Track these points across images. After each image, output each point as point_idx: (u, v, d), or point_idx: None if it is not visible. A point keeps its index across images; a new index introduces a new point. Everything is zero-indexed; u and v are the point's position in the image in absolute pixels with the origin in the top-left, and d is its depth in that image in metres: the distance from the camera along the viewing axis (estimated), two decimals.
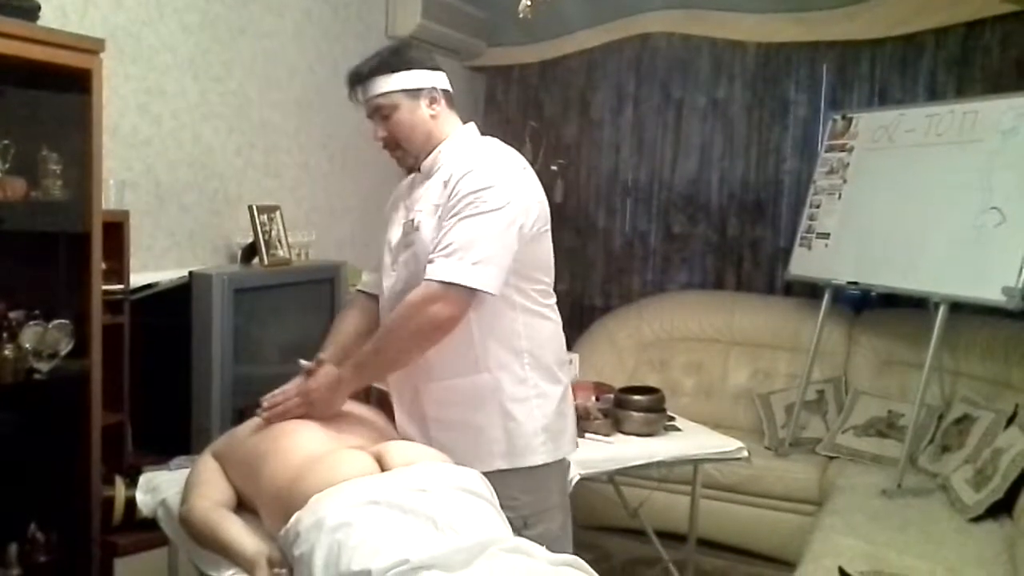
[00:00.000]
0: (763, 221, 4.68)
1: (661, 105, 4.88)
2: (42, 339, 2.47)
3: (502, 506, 1.77)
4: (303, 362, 2.05)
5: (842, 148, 4.04)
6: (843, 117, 4.13)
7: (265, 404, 2.01)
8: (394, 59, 2.01)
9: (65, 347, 2.50)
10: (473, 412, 1.98)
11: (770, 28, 4.51)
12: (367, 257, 4.33)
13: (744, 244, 4.74)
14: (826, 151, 4.15)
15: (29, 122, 2.55)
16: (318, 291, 3.45)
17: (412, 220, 2.01)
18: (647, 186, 4.94)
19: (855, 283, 3.82)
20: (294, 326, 3.38)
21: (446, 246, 1.87)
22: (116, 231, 2.74)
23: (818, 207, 4.07)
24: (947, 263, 3.35)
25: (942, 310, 3.28)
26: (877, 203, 3.76)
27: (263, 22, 3.66)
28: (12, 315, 2.45)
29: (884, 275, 3.67)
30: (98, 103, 2.46)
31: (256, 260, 3.27)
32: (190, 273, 2.91)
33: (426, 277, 1.87)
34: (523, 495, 1.95)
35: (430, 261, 1.88)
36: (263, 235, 3.28)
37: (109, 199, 2.76)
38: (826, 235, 3.97)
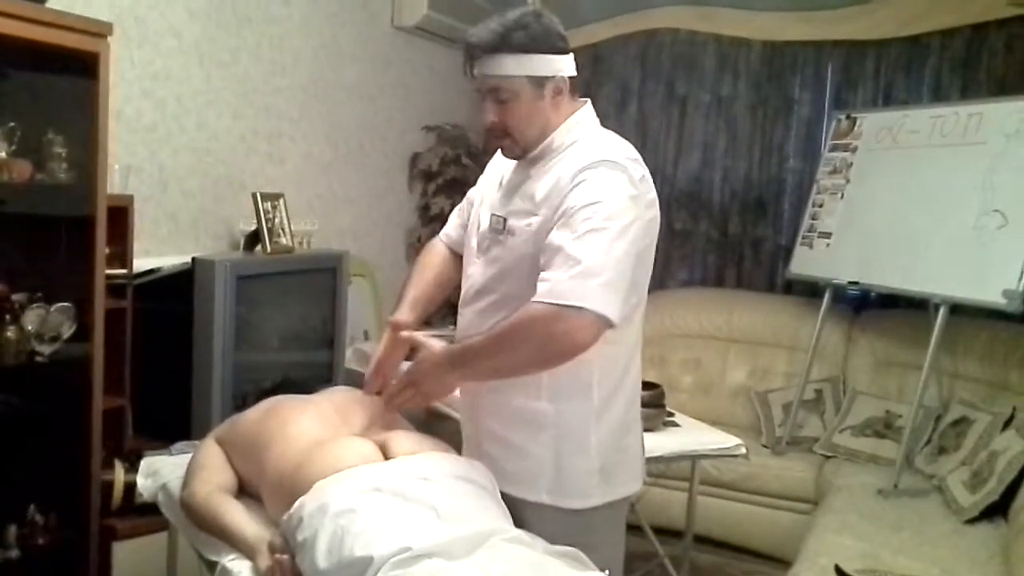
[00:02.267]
0: (765, 219, 4.68)
1: (665, 101, 4.88)
2: (44, 322, 2.48)
3: (552, 538, 1.65)
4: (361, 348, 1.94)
5: (846, 148, 4.04)
6: (847, 117, 4.13)
7: (369, 382, 1.96)
8: (522, 36, 1.74)
9: (67, 330, 2.51)
10: (526, 438, 1.81)
11: (776, 26, 4.51)
12: (369, 247, 4.37)
13: (745, 242, 4.74)
14: (829, 151, 4.15)
15: (35, 105, 2.55)
16: (320, 280, 3.45)
17: (504, 219, 1.82)
18: None
19: (856, 283, 3.83)
20: (295, 314, 3.39)
21: (570, 263, 1.63)
22: (120, 215, 2.74)
23: (820, 206, 4.07)
24: (948, 265, 3.35)
25: (942, 312, 3.29)
26: (879, 203, 3.76)
27: (269, 9, 3.65)
28: (15, 297, 2.46)
29: (885, 275, 3.67)
30: (105, 87, 2.46)
31: (259, 247, 3.27)
32: (193, 259, 2.91)
33: (549, 299, 1.62)
34: (562, 536, 1.70)
35: (544, 275, 1.66)
36: (266, 223, 3.28)
37: (113, 183, 2.76)
38: (828, 234, 3.97)
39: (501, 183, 1.91)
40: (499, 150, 1.88)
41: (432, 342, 1.81)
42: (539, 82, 1.76)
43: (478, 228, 1.91)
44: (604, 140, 1.83)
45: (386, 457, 1.77)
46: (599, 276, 1.62)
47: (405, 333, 1.95)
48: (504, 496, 1.79)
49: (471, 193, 2.09)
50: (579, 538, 1.70)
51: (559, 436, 1.80)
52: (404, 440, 1.82)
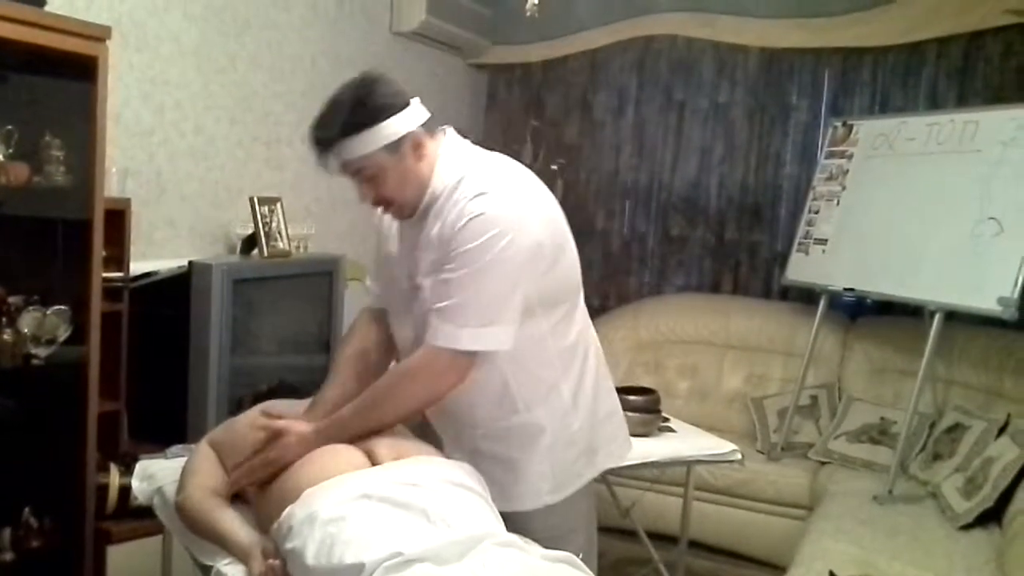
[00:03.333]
0: (761, 226, 4.69)
1: (663, 107, 4.89)
2: (40, 325, 2.48)
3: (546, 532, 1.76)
4: (266, 419, 1.89)
5: (842, 155, 4.05)
6: (844, 124, 4.14)
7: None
8: (363, 113, 1.73)
9: (63, 333, 2.51)
10: (519, 450, 1.88)
11: (774, 33, 4.52)
12: (366, 251, 4.35)
13: (742, 248, 4.75)
14: (826, 157, 4.15)
15: (33, 108, 2.55)
16: (317, 284, 3.46)
17: (416, 281, 1.83)
18: (646, 188, 4.94)
19: (851, 290, 3.83)
20: (292, 318, 3.40)
21: (446, 307, 1.71)
22: (117, 219, 2.75)
23: (816, 213, 4.08)
24: (943, 272, 3.36)
25: (937, 319, 3.29)
26: (875, 210, 3.77)
27: (268, 14, 3.66)
28: (11, 300, 2.46)
29: (880, 282, 3.67)
30: (103, 90, 2.47)
31: (256, 251, 3.28)
32: (190, 263, 2.92)
33: (429, 341, 1.73)
34: (559, 516, 1.89)
35: (430, 319, 1.73)
36: (263, 227, 3.28)
37: (111, 187, 2.77)
38: (823, 241, 3.98)
39: (402, 238, 1.92)
40: (391, 216, 1.91)
41: (295, 426, 1.83)
42: (395, 147, 1.75)
43: (399, 287, 1.92)
44: (480, 171, 1.81)
45: (374, 463, 1.77)
46: (473, 314, 1.70)
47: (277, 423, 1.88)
48: (506, 515, 1.81)
49: (378, 249, 2.06)
50: (560, 523, 1.86)
51: (547, 438, 1.87)
52: (393, 446, 1.82)
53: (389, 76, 1.80)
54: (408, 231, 1.89)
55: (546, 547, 1.69)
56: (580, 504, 1.97)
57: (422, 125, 1.80)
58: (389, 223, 1.98)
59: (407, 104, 1.78)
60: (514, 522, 1.77)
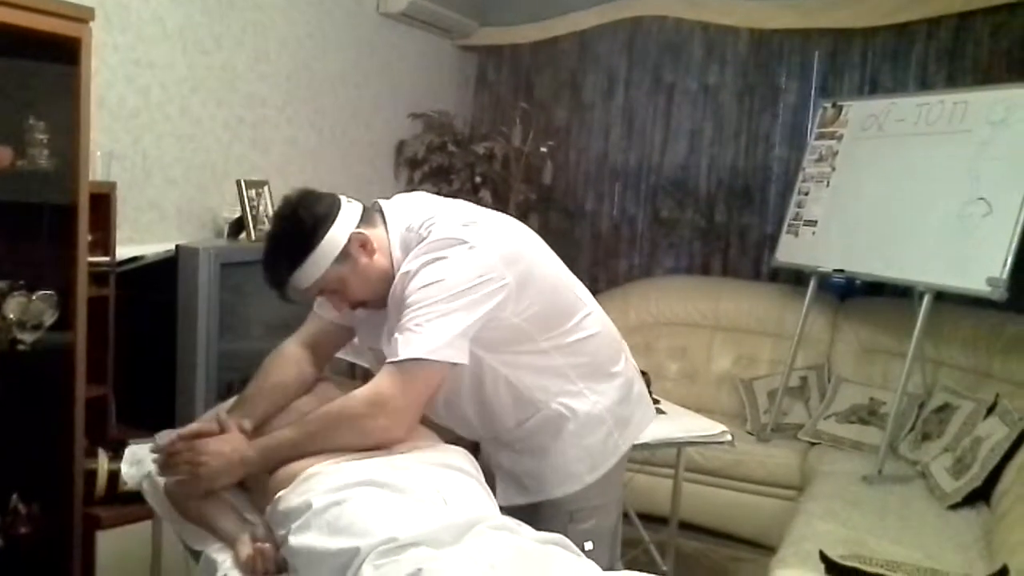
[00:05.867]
0: (751, 207, 4.69)
1: (652, 89, 4.87)
2: (26, 310, 2.45)
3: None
4: (221, 415, 1.84)
5: (831, 136, 4.05)
6: (833, 105, 4.13)
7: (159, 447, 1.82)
8: (302, 242, 1.73)
9: (49, 318, 2.49)
10: (551, 440, 1.93)
11: (763, 14, 4.50)
12: None
13: (731, 230, 4.74)
14: (815, 139, 4.15)
15: (16, 90, 2.52)
16: None
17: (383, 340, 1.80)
18: (636, 170, 4.93)
19: (841, 271, 3.83)
20: (279, 302, 3.36)
21: (396, 338, 1.67)
22: (103, 203, 2.72)
23: (806, 194, 4.08)
24: (933, 253, 3.36)
25: (926, 299, 3.30)
26: (865, 191, 3.77)
27: None
28: None
29: (870, 263, 3.68)
30: (86, 73, 2.43)
31: (243, 235, 3.26)
32: (177, 247, 2.89)
33: (381, 373, 1.69)
34: (594, 493, 1.97)
35: (385, 358, 1.69)
36: (251, 210, 3.26)
37: (96, 170, 2.74)
38: (813, 222, 3.98)
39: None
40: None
41: (232, 436, 1.76)
42: (343, 257, 1.75)
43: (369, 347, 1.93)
44: (428, 228, 1.77)
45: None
46: (421, 346, 1.64)
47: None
48: (548, 502, 1.91)
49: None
50: (597, 494, 1.93)
51: (574, 424, 1.92)
52: None
53: (308, 189, 1.80)
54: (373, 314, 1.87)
55: (582, 519, 1.90)
56: (614, 476, 2.03)
57: (362, 223, 1.79)
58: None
59: (338, 209, 1.77)
60: (557, 505, 1.86)
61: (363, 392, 1.70)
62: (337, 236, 1.74)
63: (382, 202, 1.89)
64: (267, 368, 1.96)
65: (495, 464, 2.00)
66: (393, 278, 1.77)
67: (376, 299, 1.81)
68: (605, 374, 2.00)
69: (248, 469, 1.74)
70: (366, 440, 1.70)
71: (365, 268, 1.77)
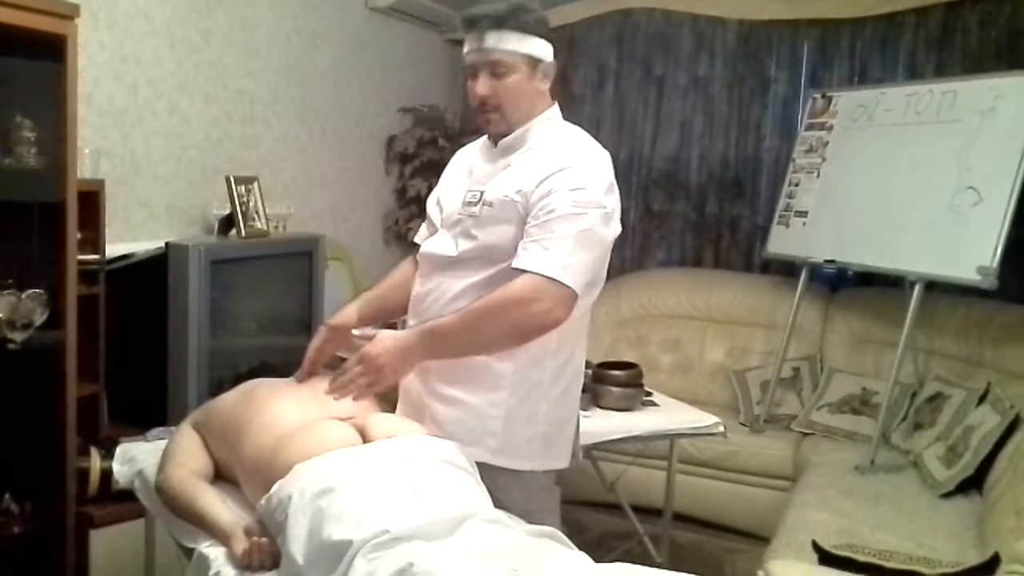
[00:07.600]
0: (742, 199, 4.69)
1: (642, 82, 4.87)
2: (16, 309, 2.44)
3: (494, 497, 1.72)
4: (357, 332, 1.98)
5: (821, 127, 4.05)
6: (823, 96, 4.14)
7: (300, 373, 2.01)
8: (528, 19, 1.85)
9: (39, 317, 2.47)
10: (481, 398, 1.86)
11: (752, 6, 4.50)
12: (346, 230, 4.34)
13: (723, 222, 4.75)
14: (805, 129, 4.15)
15: (2, 89, 2.50)
16: (296, 264, 3.43)
17: (481, 193, 1.87)
18: (627, 163, 4.92)
19: (832, 261, 3.84)
20: (271, 298, 3.37)
21: (550, 241, 1.74)
22: (91, 200, 2.70)
23: (796, 185, 4.08)
24: (923, 242, 3.37)
25: (917, 289, 3.31)
26: (855, 182, 3.77)
27: None
28: None
29: (861, 254, 3.69)
30: (73, 70, 2.42)
31: (233, 232, 3.24)
32: (167, 244, 2.89)
33: (528, 268, 1.74)
34: (514, 491, 1.84)
35: (525, 250, 1.76)
36: (240, 206, 3.24)
37: (84, 168, 2.72)
38: (804, 213, 3.99)
39: (470, 172, 1.98)
40: (486, 124, 1.93)
41: (383, 332, 1.86)
42: (534, 63, 1.87)
43: (443, 211, 1.97)
44: (583, 137, 1.94)
45: (365, 440, 1.76)
46: (577, 255, 1.75)
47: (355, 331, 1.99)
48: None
49: (431, 200, 2.08)
50: (523, 506, 1.80)
51: (514, 399, 1.86)
52: (383, 423, 1.82)
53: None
54: (486, 166, 1.95)
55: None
56: (542, 488, 1.95)
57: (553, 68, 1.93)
58: (455, 173, 2.04)
59: (552, 43, 1.91)
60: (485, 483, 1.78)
61: (522, 280, 1.75)
62: (547, 49, 1.90)
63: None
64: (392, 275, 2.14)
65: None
66: (526, 122, 1.90)
67: (505, 116, 1.88)
68: (568, 384, 1.96)
69: (419, 355, 1.82)
70: (528, 322, 1.75)
71: (531, 89, 1.89)
